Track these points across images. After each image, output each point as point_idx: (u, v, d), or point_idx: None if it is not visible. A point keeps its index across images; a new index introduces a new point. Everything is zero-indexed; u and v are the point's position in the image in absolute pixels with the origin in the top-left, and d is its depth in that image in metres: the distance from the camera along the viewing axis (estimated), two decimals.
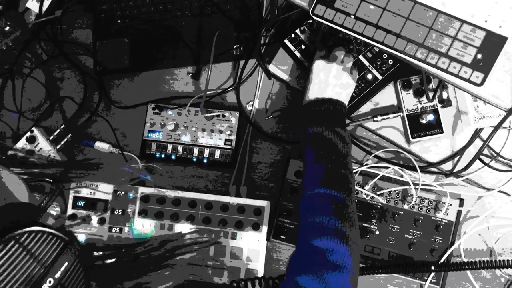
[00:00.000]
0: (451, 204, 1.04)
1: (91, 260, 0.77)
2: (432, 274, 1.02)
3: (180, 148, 1.14)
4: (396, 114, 1.06)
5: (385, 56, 1.07)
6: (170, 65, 1.18)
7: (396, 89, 1.08)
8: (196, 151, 1.14)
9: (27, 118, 1.21)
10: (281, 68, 1.12)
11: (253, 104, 1.15)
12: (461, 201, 1.05)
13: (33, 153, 1.15)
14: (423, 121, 1.05)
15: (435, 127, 1.05)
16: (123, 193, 1.12)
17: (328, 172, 0.89)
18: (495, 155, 1.04)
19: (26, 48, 1.23)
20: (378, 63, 1.08)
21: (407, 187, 1.04)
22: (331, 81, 0.97)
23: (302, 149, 0.95)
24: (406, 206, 1.04)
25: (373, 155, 1.07)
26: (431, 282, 1.02)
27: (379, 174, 1.04)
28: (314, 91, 0.97)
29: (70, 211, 1.13)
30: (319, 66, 0.98)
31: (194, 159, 1.13)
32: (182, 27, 1.17)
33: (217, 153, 1.13)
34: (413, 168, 1.04)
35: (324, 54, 1.02)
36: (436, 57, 0.89)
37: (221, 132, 1.13)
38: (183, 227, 1.09)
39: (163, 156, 1.14)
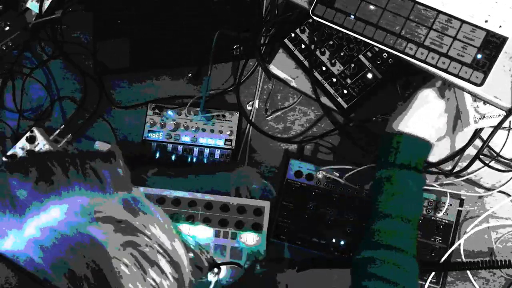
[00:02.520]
0: (451, 204, 1.04)
1: None
2: (432, 274, 1.02)
3: (180, 148, 1.14)
4: None
5: (385, 55, 1.07)
6: (170, 65, 1.18)
7: (396, 89, 1.08)
8: (196, 151, 1.14)
9: (27, 118, 1.21)
10: (281, 68, 1.12)
11: (253, 104, 1.14)
12: (461, 201, 1.05)
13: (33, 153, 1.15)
14: None
15: None
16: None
17: (406, 235, 0.85)
18: (495, 155, 1.04)
19: (26, 48, 1.23)
20: (378, 62, 1.08)
21: None
22: (432, 120, 0.89)
23: (377, 182, 0.88)
24: None
25: (373, 155, 1.07)
26: (431, 282, 1.02)
27: None
28: (410, 123, 0.88)
29: None
30: (428, 97, 0.89)
31: (194, 159, 1.13)
32: (182, 27, 1.17)
33: (217, 153, 1.13)
34: None
35: (438, 87, 0.93)
36: (436, 57, 0.89)
37: (221, 132, 1.13)
38: (184, 229, 1.09)
39: (163, 156, 1.14)
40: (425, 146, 0.89)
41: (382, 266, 0.82)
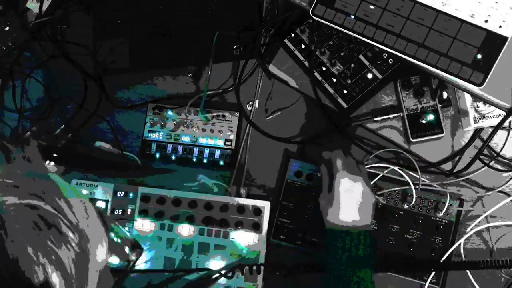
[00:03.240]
0: (451, 204, 1.04)
1: None
2: (432, 274, 1.02)
3: (180, 148, 1.14)
4: (396, 114, 1.06)
5: (385, 55, 1.07)
6: (170, 65, 1.18)
7: (396, 89, 1.08)
8: (196, 151, 1.14)
9: (27, 118, 1.21)
10: (281, 68, 1.12)
11: (253, 104, 1.15)
12: (461, 201, 1.05)
13: None
14: (423, 121, 1.05)
15: (435, 127, 1.05)
16: (123, 193, 1.12)
17: None
18: (495, 155, 1.04)
19: (26, 48, 1.23)
20: (378, 62, 1.08)
21: (407, 187, 1.04)
22: (361, 204, 0.92)
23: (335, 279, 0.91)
24: (406, 206, 1.04)
25: (373, 155, 1.07)
26: (431, 282, 1.02)
27: (379, 174, 1.04)
28: (344, 215, 0.92)
29: None
30: (346, 186, 0.92)
31: (194, 159, 1.13)
32: (182, 27, 1.17)
33: (217, 153, 1.13)
34: (413, 168, 1.04)
35: (344, 165, 0.95)
36: (436, 57, 0.89)
37: (221, 132, 1.13)
38: (184, 229, 1.09)
39: (163, 156, 1.14)
40: (367, 231, 0.92)
41: None
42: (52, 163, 1.15)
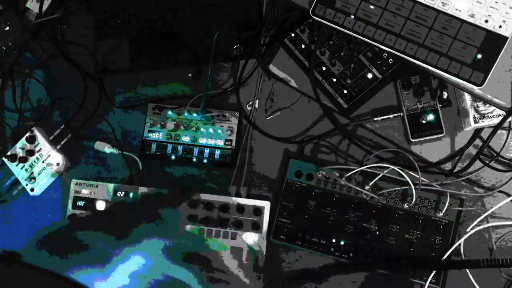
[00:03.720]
0: (451, 204, 1.04)
1: None
2: (432, 274, 1.02)
3: (180, 148, 1.14)
4: (396, 114, 1.06)
5: (385, 55, 1.07)
6: (170, 65, 1.18)
7: (396, 89, 1.08)
8: (196, 151, 1.14)
9: (27, 118, 1.21)
10: (281, 68, 1.12)
11: (253, 104, 1.15)
12: (461, 201, 1.05)
13: (33, 153, 1.15)
14: (423, 121, 1.05)
15: (435, 127, 1.05)
16: (123, 193, 1.12)
17: None
18: (495, 155, 1.04)
19: (26, 48, 1.23)
20: (378, 62, 1.08)
21: (407, 187, 1.04)
22: None
23: None
24: (406, 206, 1.04)
25: (373, 155, 1.07)
26: (431, 282, 1.02)
27: (379, 174, 1.04)
28: None
29: (70, 211, 1.14)
30: None
31: (194, 159, 1.13)
32: (182, 27, 1.17)
33: (217, 153, 1.13)
34: (413, 168, 1.04)
35: None
36: (436, 57, 0.89)
37: (221, 132, 1.13)
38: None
39: (162, 156, 1.14)
40: None
41: None
42: (60, 156, 1.15)
